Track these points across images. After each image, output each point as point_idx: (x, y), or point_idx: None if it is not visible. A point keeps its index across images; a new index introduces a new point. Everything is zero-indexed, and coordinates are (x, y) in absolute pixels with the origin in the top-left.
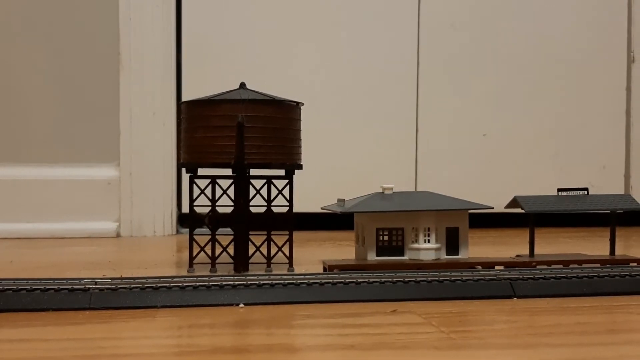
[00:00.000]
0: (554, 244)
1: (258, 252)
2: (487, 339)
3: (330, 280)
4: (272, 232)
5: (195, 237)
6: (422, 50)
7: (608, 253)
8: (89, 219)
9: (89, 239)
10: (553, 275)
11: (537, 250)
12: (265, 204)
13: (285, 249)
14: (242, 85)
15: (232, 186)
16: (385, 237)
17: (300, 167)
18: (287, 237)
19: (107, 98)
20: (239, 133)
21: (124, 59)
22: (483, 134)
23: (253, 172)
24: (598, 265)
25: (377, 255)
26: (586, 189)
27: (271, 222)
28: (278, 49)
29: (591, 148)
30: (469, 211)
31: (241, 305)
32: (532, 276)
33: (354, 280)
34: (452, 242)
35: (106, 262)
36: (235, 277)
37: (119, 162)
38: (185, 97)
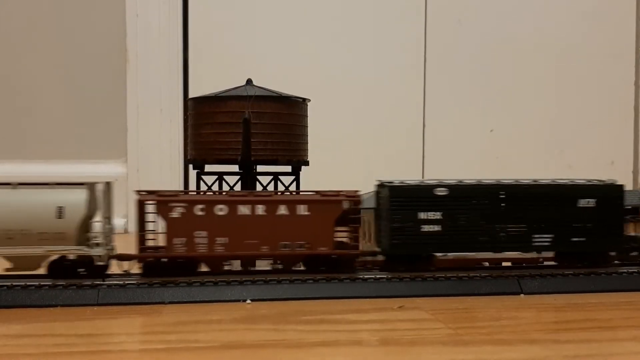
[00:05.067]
0: None
1: None
2: (494, 335)
3: (337, 277)
4: None
5: None
6: (429, 46)
7: None
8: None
9: None
10: (560, 272)
11: None
12: None
13: None
14: (249, 81)
15: (239, 182)
16: None
17: (306, 163)
18: None
19: (114, 95)
20: (246, 129)
21: (131, 55)
22: (490, 129)
23: (260, 168)
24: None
25: None
26: None
27: None
28: (284, 45)
29: (599, 144)
30: None
31: (248, 301)
32: (539, 273)
33: (361, 276)
34: None
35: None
36: (243, 273)
37: (126, 159)
38: (192, 94)
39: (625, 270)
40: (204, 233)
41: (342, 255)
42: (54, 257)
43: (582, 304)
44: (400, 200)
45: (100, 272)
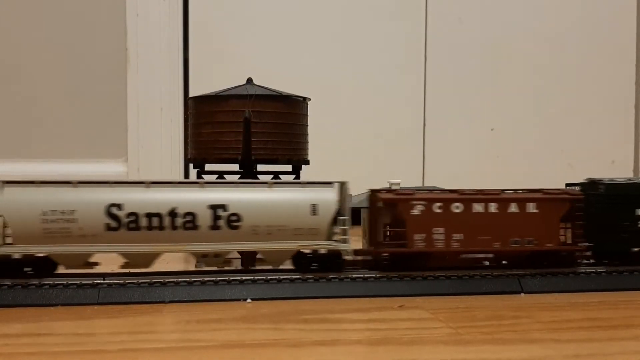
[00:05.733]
0: None
1: None
2: (494, 334)
3: (338, 276)
4: None
5: None
6: (429, 45)
7: None
8: None
9: None
10: (560, 271)
11: None
12: None
13: None
14: (249, 80)
15: None
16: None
17: (307, 162)
18: None
19: (114, 94)
20: (246, 128)
21: (132, 55)
22: (491, 128)
23: (260, 167)
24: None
25: None
26: None
27: None
28: (284, 45)
29: (600, 143)
30: None
31: (248, 300)
32: (539, 272)
33: (361, 275)
34: None
35: (114, 257)
36: (243, 273)
37: (126, 158)
38: (192, 93)
39: (625, 270)
40: (441, 229)
41: (566, 251)
42: (298, 251)
43: (582, 303)
44: (618, 197)
45: (341, 265)
